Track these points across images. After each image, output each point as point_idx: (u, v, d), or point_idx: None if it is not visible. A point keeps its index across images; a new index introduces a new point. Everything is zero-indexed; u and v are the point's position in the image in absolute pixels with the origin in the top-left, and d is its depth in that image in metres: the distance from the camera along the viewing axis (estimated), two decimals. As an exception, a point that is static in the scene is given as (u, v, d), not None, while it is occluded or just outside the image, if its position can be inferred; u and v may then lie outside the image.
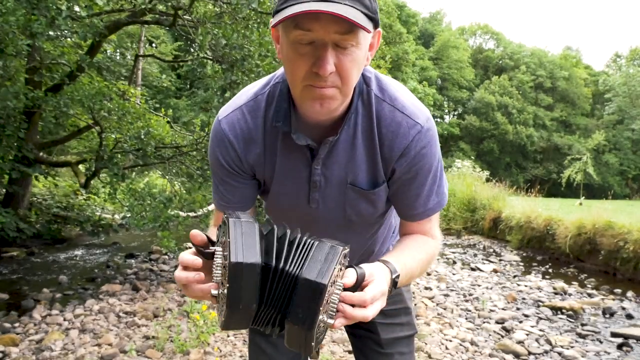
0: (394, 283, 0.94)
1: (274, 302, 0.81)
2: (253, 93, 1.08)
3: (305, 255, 0.80)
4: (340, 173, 1.07)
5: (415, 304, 4.92)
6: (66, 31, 5.18)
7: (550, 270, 7.55)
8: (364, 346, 1.39)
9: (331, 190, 1.09)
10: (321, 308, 0.76)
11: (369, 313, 0.82)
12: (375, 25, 0.92)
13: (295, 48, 0.86)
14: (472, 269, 7.37)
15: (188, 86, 27.31)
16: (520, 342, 4.06)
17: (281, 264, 0.80)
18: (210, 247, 0.86)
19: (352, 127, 1.03)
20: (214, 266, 0.80)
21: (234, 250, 0.76)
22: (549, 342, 4.10)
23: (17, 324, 3.84)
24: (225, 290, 0.78)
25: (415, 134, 1.01)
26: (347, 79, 0.89)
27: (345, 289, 0.81)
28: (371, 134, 1.03)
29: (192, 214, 7.27)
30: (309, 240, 0.83)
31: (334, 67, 0.86)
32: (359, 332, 1.39)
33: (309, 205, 1.11)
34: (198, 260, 0.85)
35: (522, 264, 8.10)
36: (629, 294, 5.95)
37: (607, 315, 5.08)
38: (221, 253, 0.81)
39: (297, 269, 0.79)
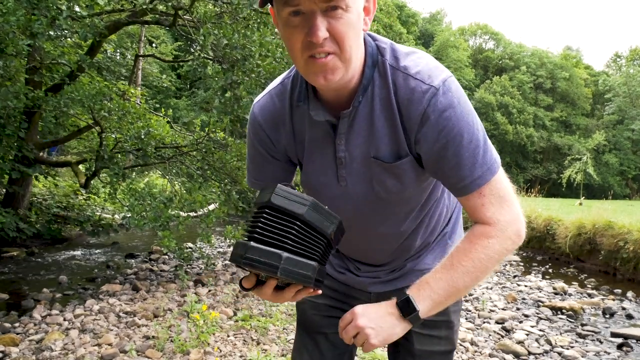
0: (401, 309, 1.03)
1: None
2: (281, 78, 1.15)
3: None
4: (363, 147, 1.05)
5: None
6: (66, 31, 5.18)
7: (550, 270, 7.55)
8: (398, 355, 1.34)
9: (356, 165, 1.08)
10: None
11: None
12: None
13: (288, 23, 0.90)
14: (472, 269, 7.36)
15: (188, 86, 27.33)
16: (520, 342, 4.06)
17: None
18: None
19: (369, 99, 1.02)
20: None
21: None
22: (549, 342, 4.10)
23: (17, 324, 3.83)
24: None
25: (431, 98, 0.95)
26: (343, 43, 0.90)
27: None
28: (390, 105, 1.00)
29: (192, 213, 7.27)
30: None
31: (327, 32, 0.88)
32: (398, 339, 1.37)
33: (339, 184, 1.11)
34: None
35: (522, 264, 8.10)
36: (629, 294, 5.95)
37: (607, 315, 5.08)
38: None
39: None
